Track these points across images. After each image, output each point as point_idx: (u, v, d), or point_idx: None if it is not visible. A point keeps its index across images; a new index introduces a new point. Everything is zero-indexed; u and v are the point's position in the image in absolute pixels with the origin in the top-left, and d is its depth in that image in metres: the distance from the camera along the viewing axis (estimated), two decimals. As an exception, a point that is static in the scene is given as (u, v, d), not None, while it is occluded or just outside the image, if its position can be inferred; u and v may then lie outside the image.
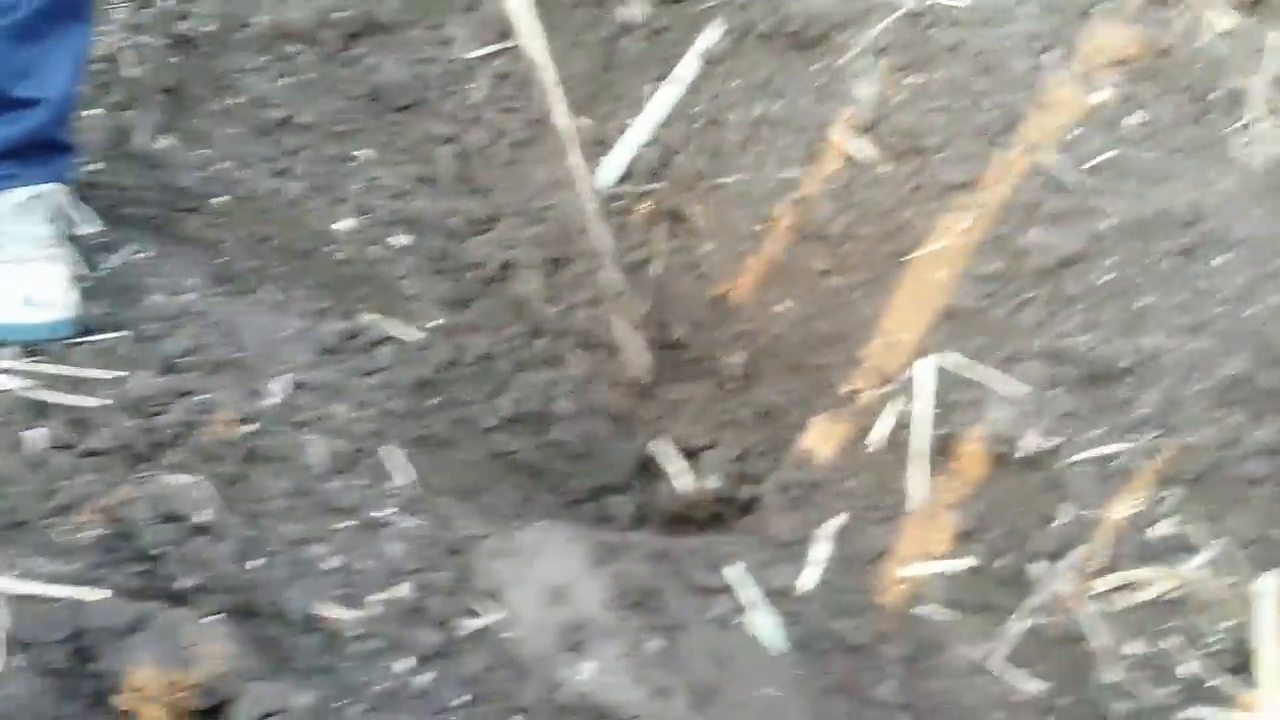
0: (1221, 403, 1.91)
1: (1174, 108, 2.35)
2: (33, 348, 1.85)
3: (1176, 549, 1.84)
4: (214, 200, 2.27)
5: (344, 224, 2.37)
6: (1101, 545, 1.87)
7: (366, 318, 2.33)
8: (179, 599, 1.65)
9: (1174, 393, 1.95)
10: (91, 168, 2.17)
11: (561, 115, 2.33)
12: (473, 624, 1.88)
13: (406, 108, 2.76)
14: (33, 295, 1.86)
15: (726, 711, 1.90)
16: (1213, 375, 1.93)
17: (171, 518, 1.70)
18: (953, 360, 2.14)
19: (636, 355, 2.50)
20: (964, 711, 1.85)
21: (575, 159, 2.32)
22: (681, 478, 2.53)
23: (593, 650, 1.91)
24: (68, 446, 1.74)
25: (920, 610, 1.97)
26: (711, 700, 1.90)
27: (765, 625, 2.02)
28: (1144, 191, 2.18)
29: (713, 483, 2.51)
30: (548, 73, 2.29)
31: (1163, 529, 1.85)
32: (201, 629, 1.56)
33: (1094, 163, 2.28)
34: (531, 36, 2.25)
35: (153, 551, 1.67)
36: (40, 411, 1.77)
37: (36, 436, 1.73)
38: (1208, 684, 1.74)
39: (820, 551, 2.09)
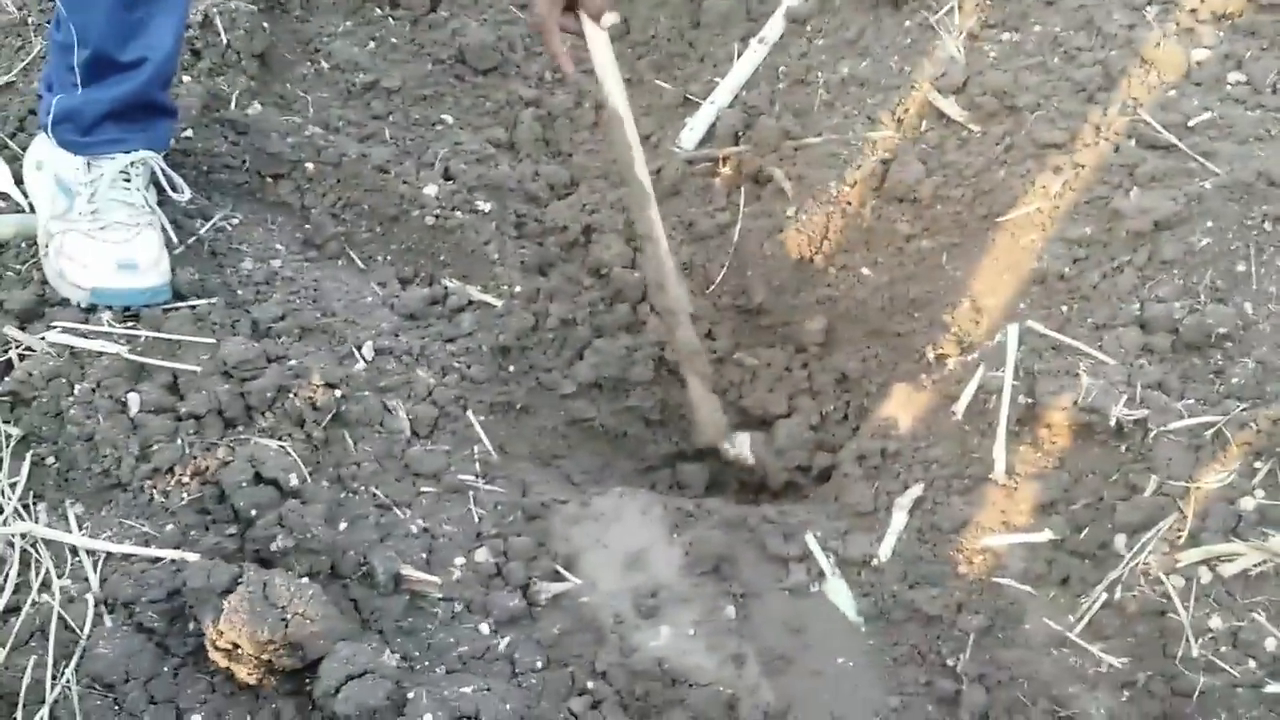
0: (1318, 373, 1.85)
1: (1277, 65, 2.24)
2: (128, 312, 1.91)
3: (1265, 522, 1.78)
4: (302, 165, 2.31)
5: (429, 189, 2.39)
6: (1188, 518, 1.82)
7: (450, 283, 2.36)
8: (270, 561, 1.71)
9: (1269, 362, 1.88)
10: (184, 134, 2.22)
11: (641, 169, 2.30)
12: (551, 588, 1.91)
13: (490, 71, 2.76)
14: (128, 261, 1.92)
15: (800, 680, 1.90)
16: (1312, 345, 1.87)
17: (263, 481, 1.75)
18: (1041, 327, 2.09)
19: (710, 418, 2.47)
20: (1040, 684, 1.83)
21: (653, 213, 2.30)
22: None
23: (667, 616, 1.93)
24: (163, 410, 1.81)
25: (999, 581, 1.94)
26: (785, 668, 1.91)
27: (840, 594, 2.02)
28: (1244, 153, 2.09)
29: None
30: (629, 127, 2.27)
31: (1252, 502, 1.80)
32: (292, 590, 1.61)
33: (1194, 122, 2.19)
34: (615, 90, 2.24)
35: (245, 514, 1.73)
36: (137, 375, 1.84)
37: (133, 400, 1.79)
38: (1297, 660, 1.70)
39: (898, 521, 2.07)
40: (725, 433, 2.48)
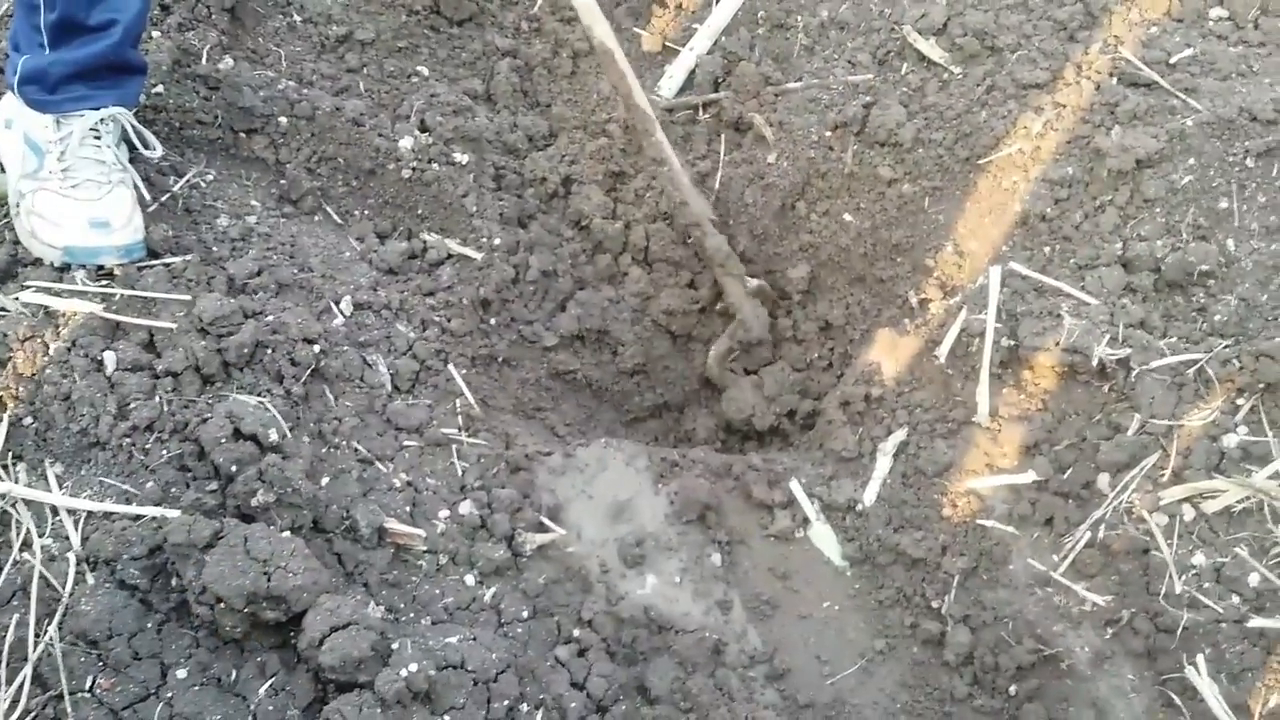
0: (1301, 310, 1.84)
1: (1259, 1, 2.22)
2: (102, 271, 1.89)
3: (1249, 459, 1.79)
4: (276, 120, 2.27)
5: (405, 142, 2.36)
6: (1171, 456, 1.82)
7: (428, 237, 2.33)
8: (252, 516, 1.70)
9: (1252, 298, 1.88)
10: (154, 90, 2.18)
11: (640, 96, 2.31)
12: (536, 539, 1.91)
13: (466, 21, 2.72)
14: (101, 219, 1.89)
15: (786, 624, 1.91)
16: (1293, 281, 1.86)
17: (243, 437, 1.74)
18: (1023, 269, 2.08)
19: (754, 318, 2.51)
20: (1024, 623, 1.85)
21: (659, 136, 2.31)
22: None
23: (653, 565, 1.93)
24: (140, 368, 1.79)
25: (983, 523, 1.95)
26: (771, 613, 1.92)
27: (825, 539, 2.03)
28: (1226, 89, 2.08)
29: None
30: (620, 58, 2.28)
31: (1234, 438, 1.80)
32: (274, 544, 1.60)
33: (1176, 59, 2.17)
34: (600, 27, 2.23)
35: (225, 470, 1.71)
36: (113, 333, 1.82)
37: (110, 358, 1.78)
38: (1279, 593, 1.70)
39: (882, 466, 2.07)
40: (767, 327, 2.56)
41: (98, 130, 1.95)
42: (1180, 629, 1.74)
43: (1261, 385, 1.80)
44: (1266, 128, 1.96)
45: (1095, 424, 1.91)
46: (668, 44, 2.79)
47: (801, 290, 2.56)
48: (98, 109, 1.93)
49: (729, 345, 2.56)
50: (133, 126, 1.98)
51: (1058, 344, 1.93)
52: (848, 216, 2.48)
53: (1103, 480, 1.87)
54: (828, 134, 2.48)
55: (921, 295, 2.30)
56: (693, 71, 2.71)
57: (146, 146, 2.00)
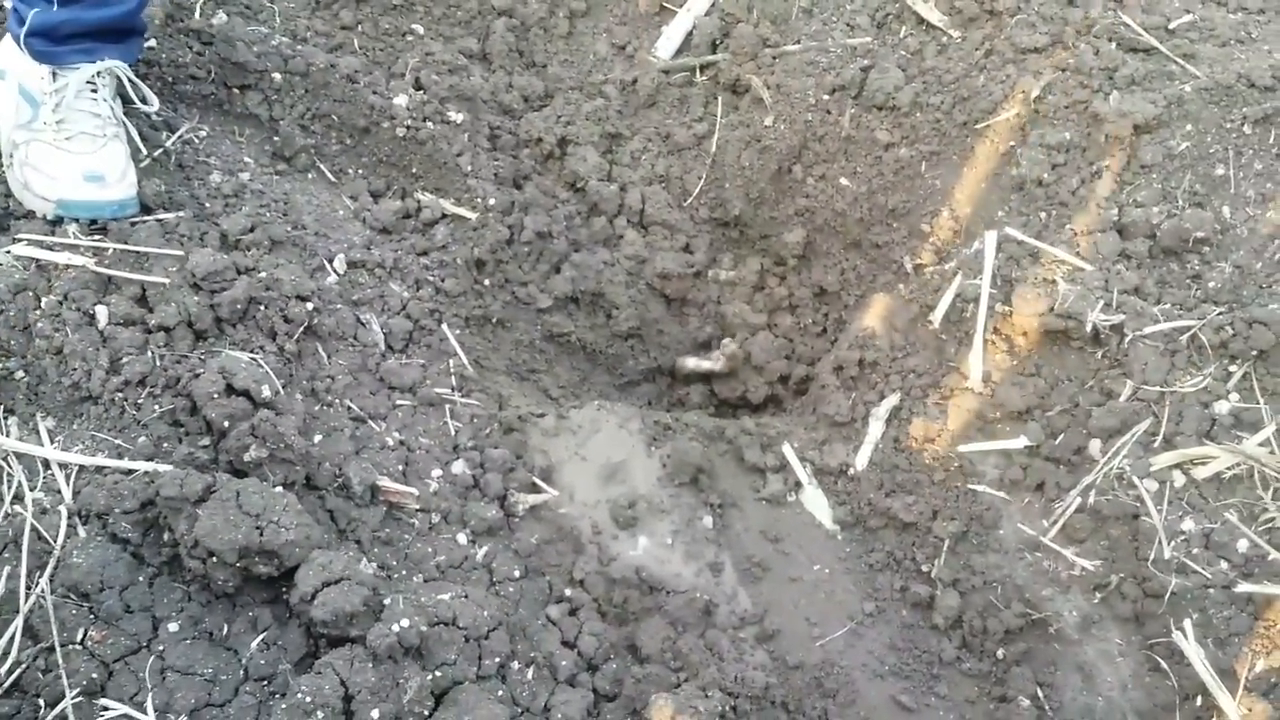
0: (1296, 277, 1.85)
1: (1262, -35, 2.21)
2: (95, 225, 1.88)
3: (1240, 425, 1.79)
4: (269, 76, 2.25)
5: (399, 100, 2.34)
6: (1163, 422, 1.83)
7: (423, 196, 2.32)
8: (244, 472, 1.70)
9: (1246, 266, 1.88)
10: (148, 44, 2.16)
11: None
12: (529, 499, 1.91)
13: (463, -22, 2.70)
14: (95, 172, 1.87)
15: (776, 586, 1.92)
16: (1289, 249, 1.86)
17: (235, 393, 1.73)
18: (1019, 234, 2.08)
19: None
20: (1013, 588, 1.86)
21: None
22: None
23: (646, 526, 1.94)
24: (132, 323, 1.78)
25: (974, 488, 1.95)
26: (762, 575, 1.93)
27: (817, 503, 2.03)
28: (1225, 55, 2.07)
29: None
30: None
31: (1226, 405, 1.80)
32: (267, 498, 1.60)
33: (1175, 24, 2.16)
34: None
35: (218, 425, 1.71)
36: (105, 288, 1.81)
37: (102, 312, 1.77)
38: (1269, 558, 1.71)
39: (875, 430, 2.07)
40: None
41: (94, 83, 1.93)
42: (1168, 594, 1.75)
43: (1254, 352, 1.80)
44: (1264, 94, 1.96)
45: (1088, 390, 1.92)
46: (664, 4, 2.77)
47: (796, 255, 2.55)
48: (95, 61, 1.92)
49: (704, 370, 2.55)
50: (129, 80, 1.97)
51: (1052, 309, 1.93)
52: (844, 181, 2.47)
53: (1094, 446, 1.88)
54: (825, 97, 2.46)
55: (917, 260, 2.30)
56: (690, 33, 2.69)
57: (143, 101, 1.98)
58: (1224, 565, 1.74)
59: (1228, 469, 1.77)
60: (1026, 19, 2.27)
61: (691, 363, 2.57)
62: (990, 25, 2.32)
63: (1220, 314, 1.84)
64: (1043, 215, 2.10)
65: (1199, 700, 1.71)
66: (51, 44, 1.87)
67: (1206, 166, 1.97)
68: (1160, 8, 2.19)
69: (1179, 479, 1.80)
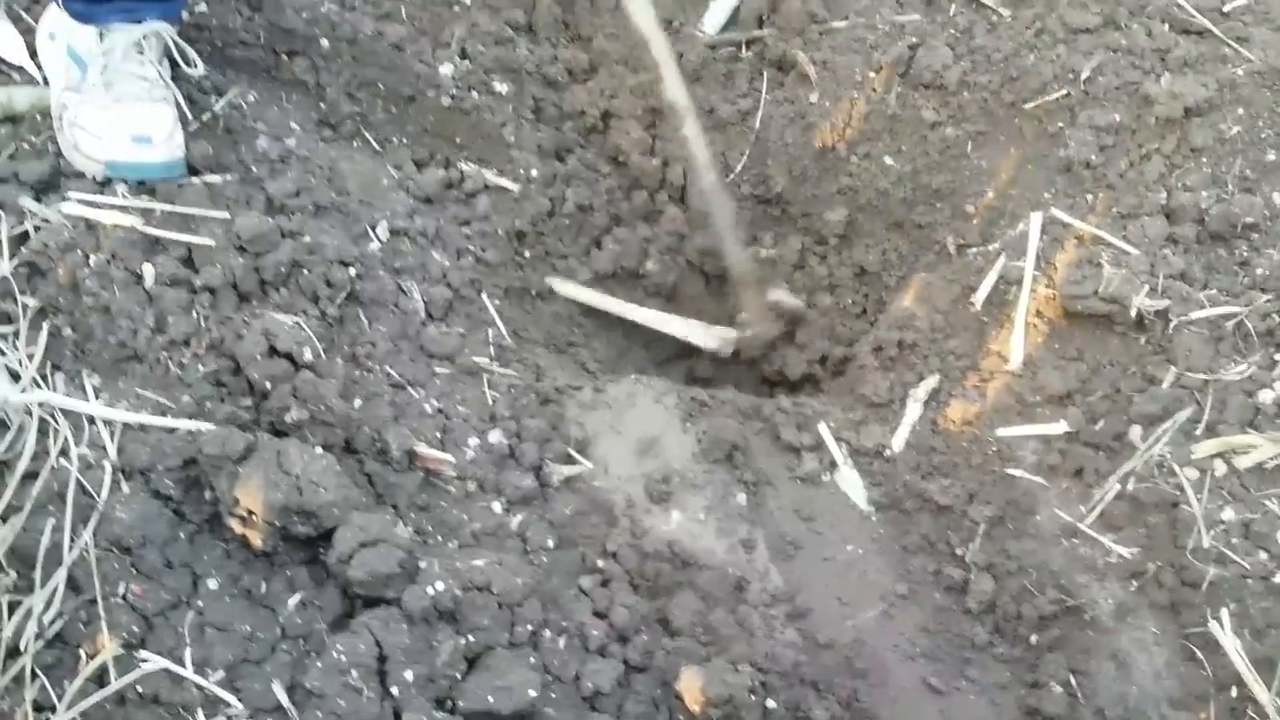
0: (1345, 265, 1.82)
1: (1321, -51, 2.16)
2: (143, 185, 1.90)
3: (1285, 415, 1.77)
4: (317, 42, 2.26)
5: (445, 69, 2.35)
6: (1206, 410, 1.80)
7: (466, 166, 2.33)
8: (285, 432, 1.72)
9: (1296, 253, 1.85)
10: (198, 9, 2.18)
11: (680, 92, 2.27)
12: (563, 471, 1.92)
13: (509, -50, 2.69)
14: (142, 134, 1.89)
15: (808, 565, 1.92)
16: (1340, 236, 1.83)
17: (278, 354, 1.75)
18: (1065, 216, 2.05)
19: (754, 336, 2.49)
20: (1049, 574, 1.84)
21: (690, 130, 2.28)
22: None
23: (679, 501, 1.94)
24: (178, 283, 1.80)
25: (1012, 472, 1.94)
26: (794, 554, 1.93)
27: (852, 483, 2.02)
28: (1279, 38, 2.03)
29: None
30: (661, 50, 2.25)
31: (1270, 394, 1.78)
32: (307, 459, 1.62)
33: (1230, 7, 2.12)
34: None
35: (260, 386, 1.73)
36: (152, 248, 1.83)
37: (149, 272, 1.79)
38: (1309, 551, 1.69)
39: (912, 412, 2.06)
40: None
41: (140, 45, 1.94)
42: (1206, 583, 1.73)
43: (1300, 341, 1.78)
44: (1320, 80, 1.92)
45: (1130, 375, 1.90)
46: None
47: (838, 234, 2.53)
48: (140, 21, 1.93)
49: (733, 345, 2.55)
50: (175, 43, 1.98)
51: (1095, 293, 1.91)
52: (889, 160, 2.45)
53: (1135, 432, 1.86)
54: (872, 74, 2.44)
55: (960, 241, 2.28)
56: (737, 8, 2.67)
57: (189, 64, 2.00)
58: (1263, 556, 1.71)
59: (1270, 459, 1.75)
60: (1078, -1, 2.24)
61: (777, 295, 2.53)
62: (1041, 4, 2.29)
63: (1268, 301, 1.82)
64: (1089, 198, 2.08)
65: (1234, 691, 1.69)
66: (91, 3, 1.89)
67: (1258, 152, 1.94)
68: (1216, -11, 2.15)
69: (1220, 468, 1.77)
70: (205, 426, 1.66)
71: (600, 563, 1.86)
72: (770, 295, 2.48)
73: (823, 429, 2.08)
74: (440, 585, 1.57)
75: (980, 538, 1.93)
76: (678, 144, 2.37)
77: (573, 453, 1.96)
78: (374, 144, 2.30)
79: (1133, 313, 1.87)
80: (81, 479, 1.61)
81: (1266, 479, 1.76)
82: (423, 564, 1.61)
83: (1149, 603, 1.80)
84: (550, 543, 1.85)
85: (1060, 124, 2.17)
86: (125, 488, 1.62)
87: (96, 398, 1.72)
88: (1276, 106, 1.95)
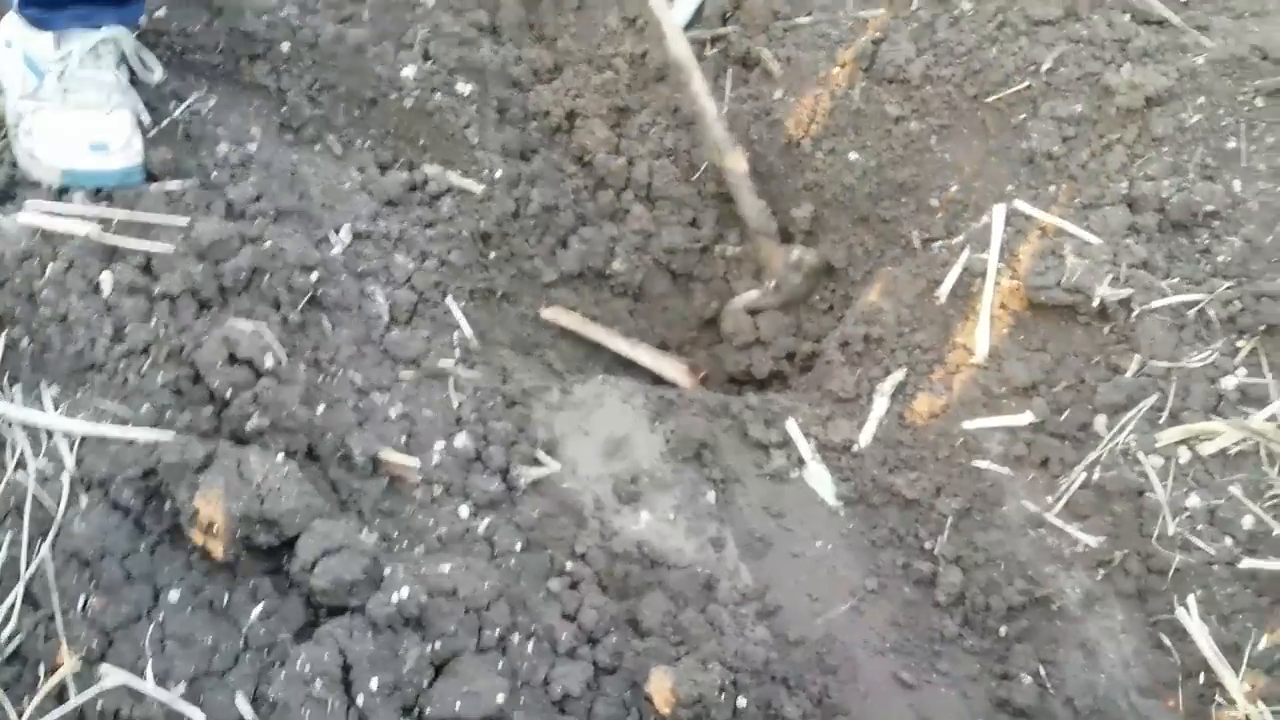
0: (1305, 251, 1.82)
1: (1278, -66, 2.17)
2: (100, 193, 1.88)
3: (1246, 401, 1.77)
4: (278, 46, 2.25)
5: (407, 71, 2.33)
6: (1169, 398, 1.81)
7: (429, 168, 2.31)
8: (246, 440, 1.71)
9: (1256, 240, 1.86)
10: (157, 14, 2.16)
11: (683, 48, 2.27)
12: (531, 473, 1.91)
13: (473, -50, 2.68)
14: (100, 141, 1.87)
15: (778, 562, 1.92)
16: (1299, 222, 1.84)
17: (238, 361, 1.73)
18: (1028, 208, 2.05)
19: (790, 287, 2.48)
20: (1016, 564, 1.85)
21: (698, 86, 2.30)
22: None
23: (648, 501, 1.94)
24: (137, 291, 1.78)
25: (978, 464, 1.94)
26: (764, 551, 1.93)
27: (820, 479, 2.02)
28: (1239, 27, 2.04)
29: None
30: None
31: (1233, 380, 1.78)
32: (268, 467, 1.61)
33: (1190, -4, 2.13)
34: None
35: (221, 394, 1.71)
36: (110, 256, 1.81)
37: (107, 280, 1.77)
38: (1273, 534, 1.70)
39: (879, 406, 2.06)
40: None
41: (98, 51, 1.93)
42: (1172, 570, 1.74)
43: (1262, 327, 1.78)
44: (1277, 66, 1.93)
45: (1094, 365, 1.90)
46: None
47: (804, 230, 2.53)
48: (98, 27, 1.91)
49: (758, 304, 2.52)
50: (134, 49, 1.97)
51: (1059, 284, 1.91)
52: (853, 155, 2.45)
53: (1100, 422, 1.87)
54: (835, 70, 2.44)
55: (925, 235, 2.28)
56: (701, 5, 2.67)
57: (148, 69, 1.98)
58: (1228, 541, 1.72)
59: (1234, 445, 1.75)
60: (1039, -10, 2.24)
61: (743, 300, 2.54)
62: (1003, -5, 2.29)
63: (1229, 288, 1.82)
64: (1052, 189, 2.08)
65: (1202, 678, 1.69)
66: (47, 10, 1.87)
67: (1218, 140, 1.94)
68: (1175, -21, 2.16)
69: (1184, 455, 1.78)
70: (165, 436, 1.64)
71: (569, 565, 1.85)
72: (792, 254, 2.49)
73: (790, 425, 2.07)
74: (405, 591, 1.56)
75: (948, 530, 1.93)
76: (687, 99, 2.37)
77: (540, 455, 1.95)
78: (336, 147, 2.29)
79: (1096, 302, 1.88)
80: (39, 492, 1.59)
81: (1230, 465, 1.76)
82: (387, 570, 1.60)
83: (1116, 591, 1.80)
84: (518, 546, 1.84)
85: (1022, 116, 2.17)
86: (84, 500, 1.60)
87: (55, 409, 1.70)
88: (1237, 94, 1.95)
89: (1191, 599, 1.71)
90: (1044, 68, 2.16)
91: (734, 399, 2.15)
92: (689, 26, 2.66)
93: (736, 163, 2.42)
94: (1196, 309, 1.83)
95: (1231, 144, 1.93)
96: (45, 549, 1.53)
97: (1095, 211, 1.99)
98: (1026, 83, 2.18)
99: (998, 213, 2.05)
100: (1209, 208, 1.89)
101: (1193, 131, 1.96)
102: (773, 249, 2.45)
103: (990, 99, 2.22)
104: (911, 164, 2.35)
